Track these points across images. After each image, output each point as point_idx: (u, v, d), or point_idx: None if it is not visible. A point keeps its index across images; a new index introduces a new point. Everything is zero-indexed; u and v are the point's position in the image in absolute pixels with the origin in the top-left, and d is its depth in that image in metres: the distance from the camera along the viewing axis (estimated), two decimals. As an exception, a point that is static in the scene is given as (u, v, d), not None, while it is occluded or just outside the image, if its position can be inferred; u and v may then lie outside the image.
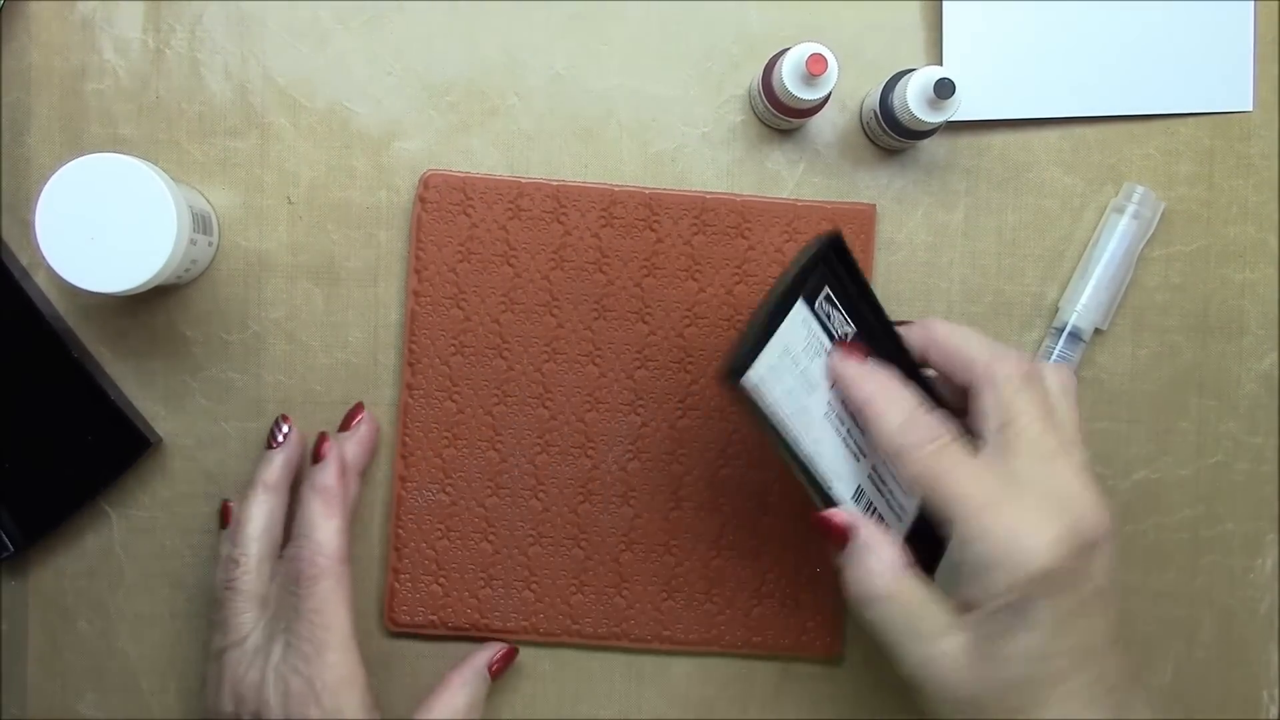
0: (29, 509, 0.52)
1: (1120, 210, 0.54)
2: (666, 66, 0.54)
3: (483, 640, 0.54)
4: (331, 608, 0.47)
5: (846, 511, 0.45)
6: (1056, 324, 0.54)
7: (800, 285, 0.45)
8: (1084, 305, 0.53)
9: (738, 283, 0.53)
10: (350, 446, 0.51)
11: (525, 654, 0.54)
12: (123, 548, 0.53)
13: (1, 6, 0.52)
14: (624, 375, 0.53)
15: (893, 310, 0.54)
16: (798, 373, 0.44)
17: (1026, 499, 0.42)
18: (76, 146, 0.52)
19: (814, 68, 0.48)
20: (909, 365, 0.47)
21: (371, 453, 0.53)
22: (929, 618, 0.42)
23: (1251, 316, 0.55)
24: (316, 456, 0.50)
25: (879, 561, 0.44)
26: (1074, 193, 0.54)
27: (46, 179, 0.46)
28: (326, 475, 0.49)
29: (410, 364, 0.53)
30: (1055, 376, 0.46)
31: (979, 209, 0.54)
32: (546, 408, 0.53)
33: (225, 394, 0.53)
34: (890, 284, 0.54)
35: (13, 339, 0.51)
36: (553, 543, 0.53)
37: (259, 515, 0.50)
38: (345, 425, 0.52)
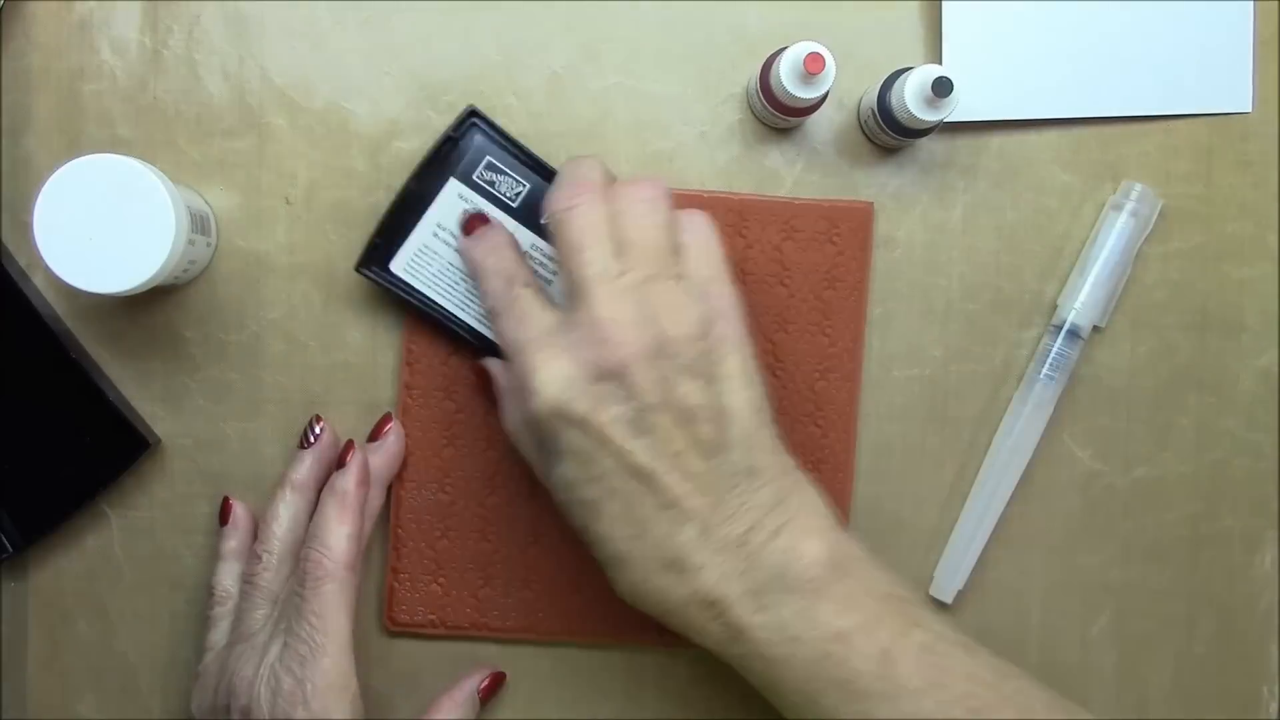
0: (28, 510, 0.52)
1: (1118, 208, 0.54)
2: (664, 66, 0.54)
3: (483, 640, 0.54)
4: (332, 612, 0.47)
5: (490, 360, 0.51)
6: (1055, 321, 0.54)
7: (435, 169, 0.50)
8: (1082, 303, 0.53)
9: (736, 281, 0.53)
10: (376, 457, 0.51)
11: (524, 654, 0.54)
12: (122, 548, 0.53)
13: (0, 7, 0.52)
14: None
15: (889, 308, 0.54)
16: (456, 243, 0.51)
17: (554, 339, 0.44)
18: (74, 147, 0.52)
19: (812, 66, 0.48)
20: None
21: (397, 464, 0.52)
22: (535, 451, 0.47)
23: (1250, 313, 0.55)
24: (340, 462, 0.50)
25: (509, 401, 0.49)
26: (1072, 190, 0.55)
27: (44, 180, 0.46)
28: (346, 480, 0.49)
29: (409, 364, 0.53)
30: (633, 193, 0.45)
31: (977, 207, 0.54)
32: (545, 407, 0.53)
33: (224, 394, 0.53)
34: (888, 282, 0.54)
35: (11, 340, 0.51)
36: (552, 542, 0.53)
37: (285, 514, 0.50)
38: (374, 435, 0.52)
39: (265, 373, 0.53)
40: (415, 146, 0.53)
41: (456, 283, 0.51)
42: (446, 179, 0.51)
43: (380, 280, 0.51)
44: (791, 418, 0.53)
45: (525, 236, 0.51)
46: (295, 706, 0.45)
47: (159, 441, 0.53)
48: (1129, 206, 0.53)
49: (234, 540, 0.52)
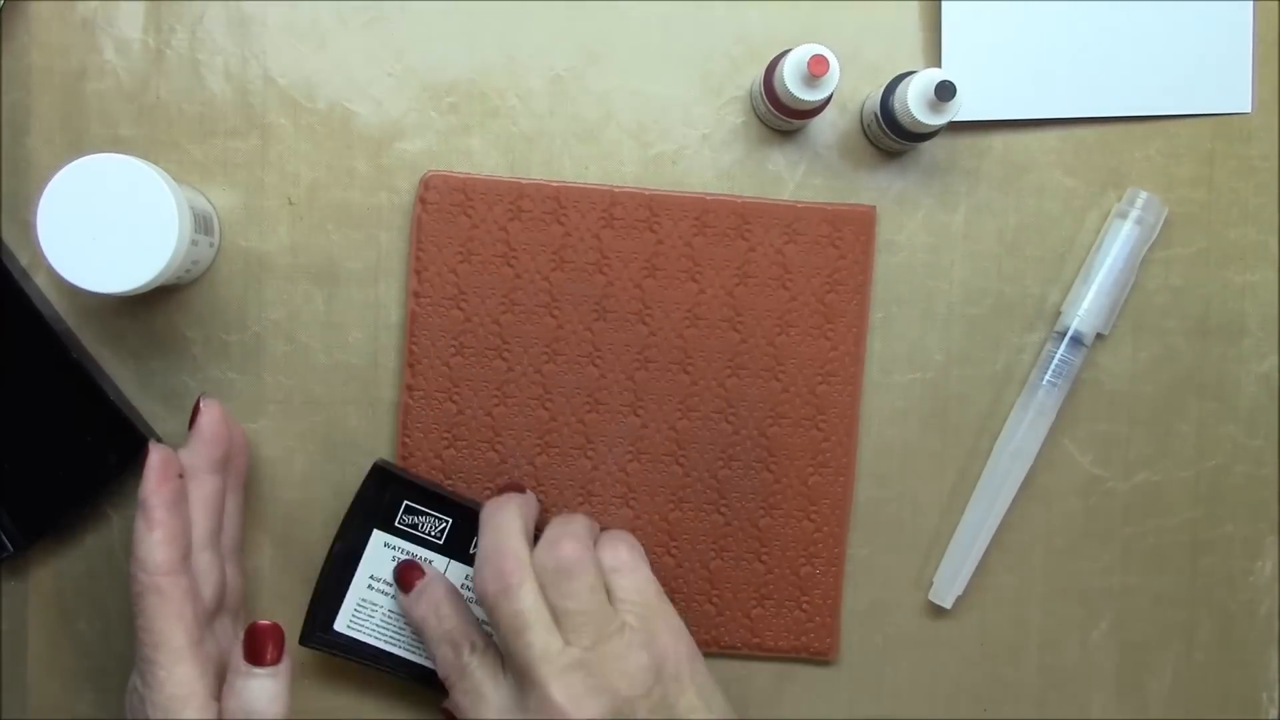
0: (29, 510, 0.51)
1: (1124, 215, 0.53)
2: (667, 68, 0.54)
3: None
4: (158, 624, 0.45)
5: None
6: (1058, 328, 0.54)
7: (356, 525, 0.51)
8: (1086, 309, 0.53)
9: (738, 284, 0.53)
10: (189, 447, 0.49)
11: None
12: (123, 548, 0.53)
13: (1, 6, 0.52)
14: (624, 376, 0.53)
15: (891, 312, 0.54)
16: (394, 591, 0.51)
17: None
18: (77, 147, 0.52)
19: (815, 69, 0.48)
20: None
21: (220, 444, 0.49)
22: None
23: (1251, 319, 0.55)
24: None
25: None
26: (1075, 195, 0.54)
27: (47, 179, 0.45)
28: (143, 488, 0.46)
29: (410, 365, 0.53)
30: (550, 563, 0.47)
31: (979, 211, 0.54)
32: (546, 409, 0.53)
33: (225, 395, 0.53)
34: (891, 286, 0.54)
35: (12, 340, 0.51)
36: (552, 544, 0.53)
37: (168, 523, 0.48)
38: (192, 421, 0.49)
39: (266, 373, 0.53)
40: (418, 148, 0.53)
41: (402, 629, 0.52)
42: (370, 531, 0.51)
43: (327, 648, 0.51)
44: (793, 421, 0.53)
45: (457, 570, 0.52)
46: None
47: (160, 441, 0.53)
48: (1134, 214, 0.53)
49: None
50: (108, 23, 0.52)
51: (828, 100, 0.50)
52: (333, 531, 0.51)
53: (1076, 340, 0.53)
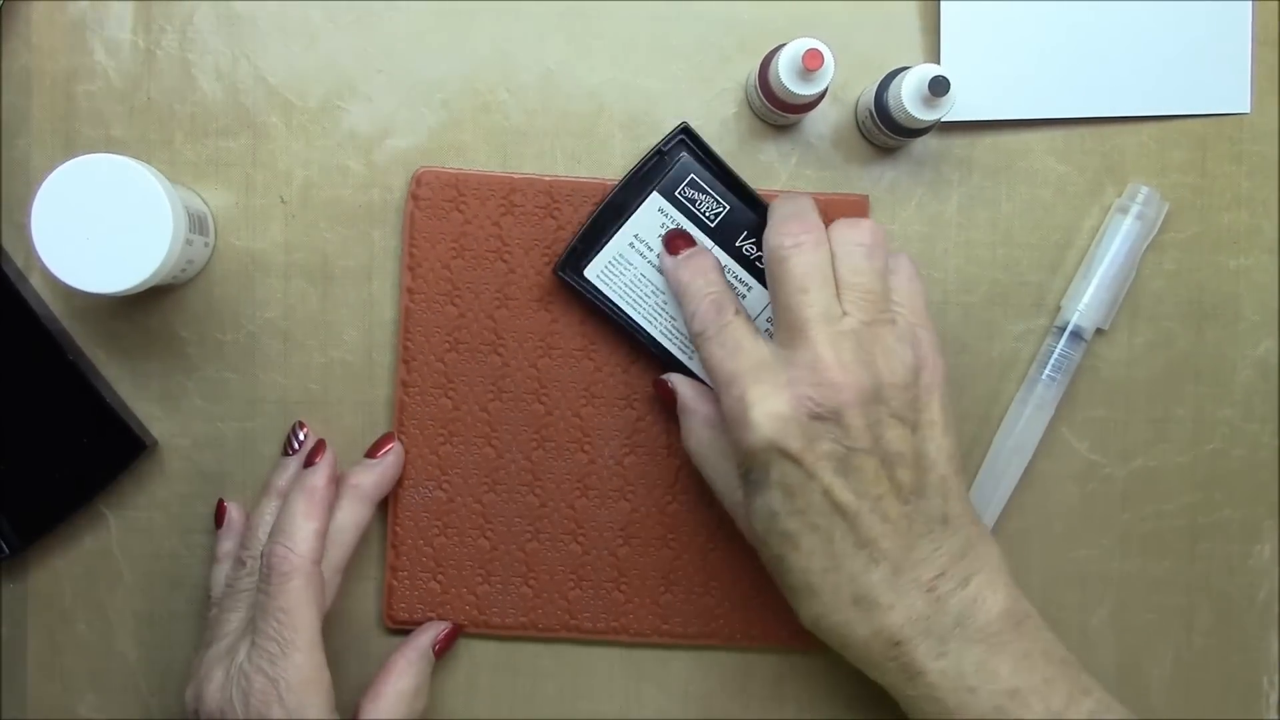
0: (26, 511, 0.52)
1: (1124, 210, 0.53)
2: (658, 60, 0.54)
3: (482, 637, 0.54)
4: (300, 608, 0.46)
5: (676, 377, 0.51)
6: (1058, 323, 0.54)
7: (641, 181, 0.51)
8: (1086, 305, 0.53)
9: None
10: (370, 474, 0.51)
11: (524, 650, 0.54)
12: (120, 549, 0.53)
13: (-8, 9, 0.52)
14: (619, 369, 0.53)
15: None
16: (653, 256, 0.51)
17: (771, 374, 0.44)
18: (69, 148, 0.52)
19: (810, 63, 0.48)
20: None
21: (389, 486, 0.52)
22: (726, 474, 0.48)
23: (1246, 303, 0.55)
24: (309, 461, 0.50)
25: (695, 421, 0.50)
26: (1068, 181, 0.54)
27: (40, 180, 0.46)
28: (315, 478, 0.49)
29: (405, 361, 0.53)
30: (853, 236, 0.46)
31: (972, 199, 0.54)
32: (542, 403, 0.53)
33: (221, 394, 0.53)
34: (884, 275, 0.54)
35: (8, 341, 0.51)
36: (550, 538, 0.53)
37: (269, 520, 0.50)
38: (372, 453, 0.52)
39: (262, 372, 0.53)
40: (409, 144, 0.53)
41: (647, 295, 0.51)
42: (649, 192, 0.51)
43: (575, 284, 0.51)
44: (789, 411, 0.53)
45: (719, 256, 0.51)
46: (270, 706, 0.45)
47: (156, 442, 0.53)
48: (1135, 209, 0.53)
49: (229, 542, 0.52)
50: (98, 24, 0.52)
51: (823, 94, 0.50)
52: None
53: (1076, 335, 0.53)
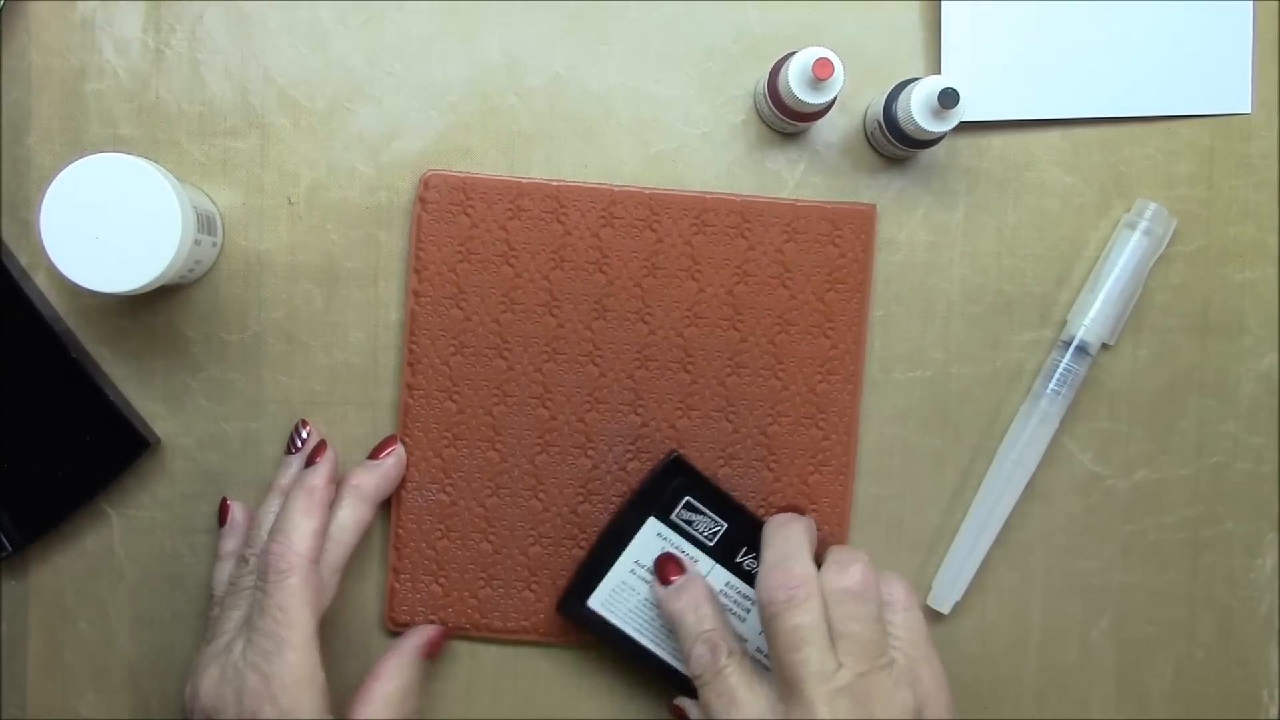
0: (28, 509, 0.52)
1: (1132, 226, 0.53)
2: (666, 67, 0.54)
3: (483, 640, 0.54)
4: (296, 606, 0.46)
5: (688, 701, 0.51)
6: (1064, 337, 0.54)
7: (639, 510, 0.52)
8: (1092, 320, 0.53)
9: (738, 283, 0.53)
10: (371, 475, 0.51)
11: (524, 654, 0.54)
12: (123, 548, 0.53)
13: (2, 7, 0.52)
14: (624, 375, 0.53)
15: (891, 310, 0.54)
16: (652, 581, 0.51)
17: None
18: (76, 147, 0.52)
19: (820, 72, 0.48)
20: None
21: (390, 488, 0.52)
22: None
23: (1251, 316, 0.55)
24: (310, 460, 0.50)
25: None
26: (1074, 193, 0.55)
27: (49, 179, 0.46)
28: (315, 477, 0.49)
29: (410, 364, 0.53)
30: (843, 584, 0.46)
31: (979, 209, 0.54)
32: (546, 407, 0.53)
33: (225, 394, 0.53)
34: (890, 284, 0.54)
35: (12, 339, 0.51)
36: (553, 542, 0.53)
37: (272, 519, 0.50)
38: (375, 454, 0.52)
39: (266, 372, 0.53)
40: (417, 147, 0.53)
41: (652, 619, 0.52)
42: (647, 517, 0.52)
43: (579, 620, 0.52)
44: (793, 419, 0.53)
45: (720, 574, 0.52)
46: (263, 704, 0.45)
47: (159, 441, 0.53)
48: (1143, 225, 0.53)
49: (232, 541, 0.52)
50: (107, 22, 0.52)
51: (832, 103, 0.50)
52: None
53: (1082, 350, 0.53)
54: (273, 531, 0.48)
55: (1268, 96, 0.55)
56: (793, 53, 0.48)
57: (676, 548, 0.52)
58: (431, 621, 0.53)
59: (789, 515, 0.50)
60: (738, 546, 0.52)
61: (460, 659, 0.54)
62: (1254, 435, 0.55)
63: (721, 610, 0.50)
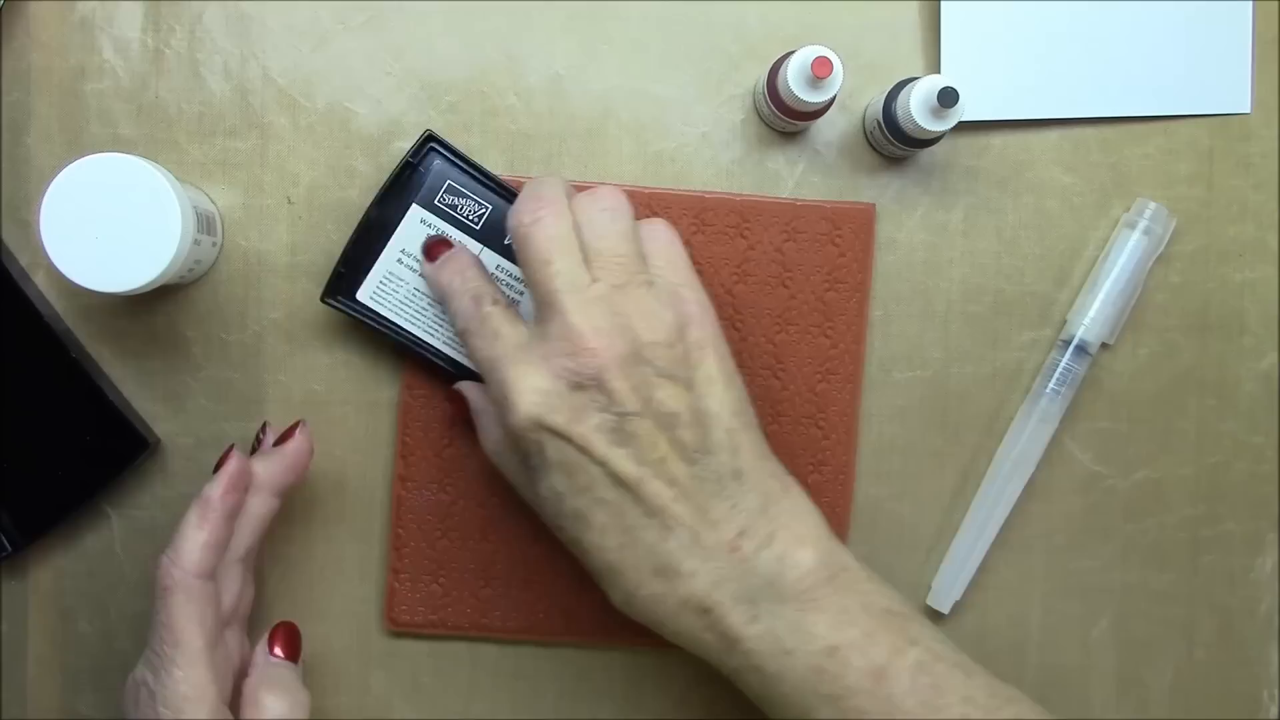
0: (28, 509, 0.51)
1: (1132, 225, 0.53)
2: (666, 66, 0.54)
3: (483, 640, 0.54)
4: (180, 622, 0.44)
5: (465, 384, 0.51)
6: (1064, 336, 0.54)
7: (395, 195, 0.51)
8: (1092, 319, 0.53)
9: (737, 282, 0.53)
10: (271, 463, 0.49)
11: (525, 654, 0.54)
12: (123, 548, 0.53)
13: (1, 6, 0.52)
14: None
15: (891, 310, 0.54)
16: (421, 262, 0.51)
17: (527, 352, 0.44)
18: (76, 147, 0.52)
19: (819, 70, 0.48)
20: None
21: (298, 471, 0.49)
22: (518, 468, 0.47)
23: (1251, 316, 0.55)
24: (216, 466, 0.47)
25: (487, 421, 0.49)
26: (1073, 192, 0.55)
27: (48, 179, 0.45)
28: (211, 487, 0.46)
29: (410, 364, 0.53)
30: (594, 204, 0.45)
31: (978, 209, 0.54)
32: (546, 407, 0.53)
33: (225, 394, 0.53)
34: (890, 284, 0.54)
35: (11, 339, 0.51)
36: (553, 543, 0.53)
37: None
38: (283, 439, 0.50)
39: (266, 372, 0.53)
40: (417, 147, 0.53)
41: (424, 308, 0.51)
42: (409, 205, 0.51)
43: (346, 309, 0.51)
44: (792, 419, 0.53)
45: (490, 258, 0.51)
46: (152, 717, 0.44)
47: (159, 441, 0.53)
48: (1142, 224, 0.53)
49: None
50: (106, 22, 0.52)
51: (831, 102, 0.50)
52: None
53: (1082, 349, 0.53)
54: (169, 543, 0.46)
55: (1267, 96, 0.55)
56: (792, 52, 0.48)
57: (442, 233, 0.51)
58: (432, 621, 0.53)
59: (547, 174, 0.49)
60: (505, 228, 0.51)
61: (460, 659, 0.54)
62: (1254, 435, 0.55)
63: (490, 276, 0.48)
